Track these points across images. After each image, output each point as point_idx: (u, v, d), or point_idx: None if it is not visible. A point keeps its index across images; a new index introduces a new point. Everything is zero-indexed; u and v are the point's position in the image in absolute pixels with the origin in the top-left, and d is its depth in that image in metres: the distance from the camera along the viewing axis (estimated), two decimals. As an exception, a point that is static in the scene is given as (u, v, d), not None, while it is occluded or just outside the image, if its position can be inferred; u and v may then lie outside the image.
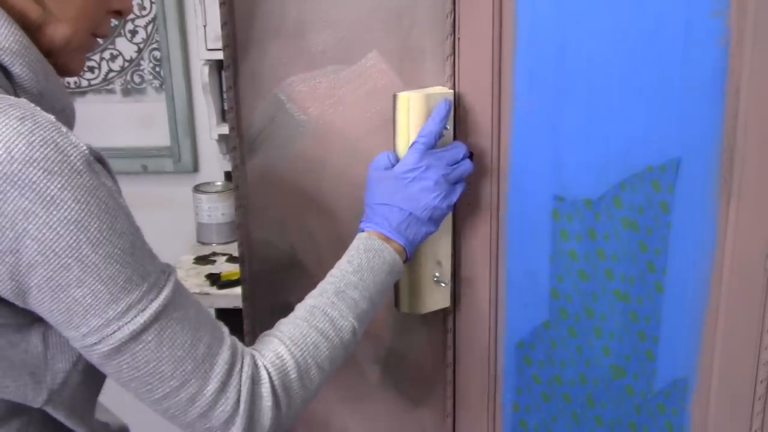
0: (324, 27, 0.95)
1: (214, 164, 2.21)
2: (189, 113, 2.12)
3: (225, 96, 1.29)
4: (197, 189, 2.12)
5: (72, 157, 0.63)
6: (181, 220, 2.15)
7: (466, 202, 0.97)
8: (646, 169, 0.92)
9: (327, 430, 1.10)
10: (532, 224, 0.97)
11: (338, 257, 1.03)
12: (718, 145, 0.90)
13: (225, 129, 2.01)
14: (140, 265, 0.67)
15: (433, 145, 0.89)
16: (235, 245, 2.02)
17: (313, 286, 1.06)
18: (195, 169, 2.19)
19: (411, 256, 0.90)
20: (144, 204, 2.08)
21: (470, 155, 0.93)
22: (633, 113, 0.90)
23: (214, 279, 1.97)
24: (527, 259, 0.98)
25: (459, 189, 0.91)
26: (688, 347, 0.97)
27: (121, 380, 0.69)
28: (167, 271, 0.71)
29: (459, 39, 0.92)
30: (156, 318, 0.67)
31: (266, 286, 1.06)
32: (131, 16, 2.05)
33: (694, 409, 0.99)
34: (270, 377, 0.73)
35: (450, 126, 0.92)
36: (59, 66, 0.75)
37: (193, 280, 1.97)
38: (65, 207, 0.62)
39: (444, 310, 1.00)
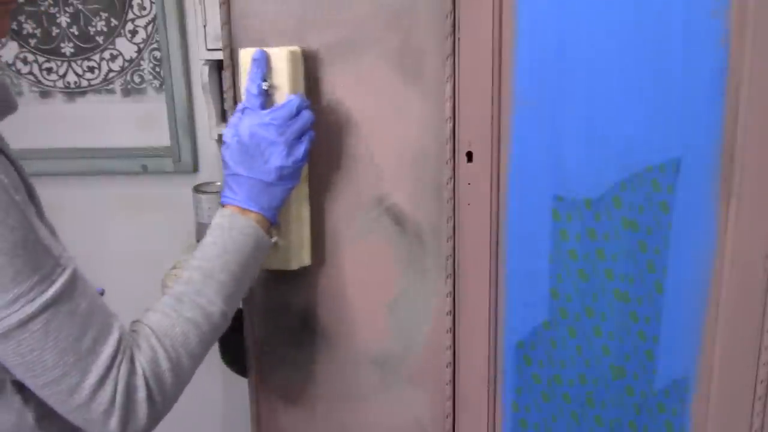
0: (324, 27, 0.96)
1: (214, 164, 2.20)
2: (189, 113, 2.12)
3: (225, 96, 1.29)
4: (197, 189, 2.12)
5: None
6: (181, 220, 2.15)
7: (466, 202, 0.97)
8: (646, 169, 0.92)
9: (327, 430, 1.10)
10: (532, 224, 0.97)
11: (338, 256, 1.04)
12: (718, 145, 0.90)
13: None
14: (32, 258, 0.70)
15: (256, 104, 0.90)
16: (235, 245, 2.02)
17: (314, 285, 1.07)
18: (195, 169, 2.18)
19: (276, 218, 0.91)
20: (144, 204, 2.08)
21: (308, 105, 0.93)
22: (633, 113, 0.90)
23: (214, 279, 1.96)
24: (527, 259, 0.98)
25: (305, 141, 0.91)
26: (688, 347, 0.97)
27: (8, 364, 0.72)
28: (63, 265, 0.73)
29: (459, 39, 0.92)
30: (43, 309, 0.70)
31: (266, 286, 1.06)
32: (131, 16, 2.05)
33: (694, 409, 0.99)
34: (143, 370, 0.76)
35: (280, 79, 0.92)
36: None
37: (193, 280, 1.97)
38: None
39: (446, 310, 1.01)
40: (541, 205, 0.96)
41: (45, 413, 0.79)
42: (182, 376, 0.80)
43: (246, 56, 0.93)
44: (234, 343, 1.14)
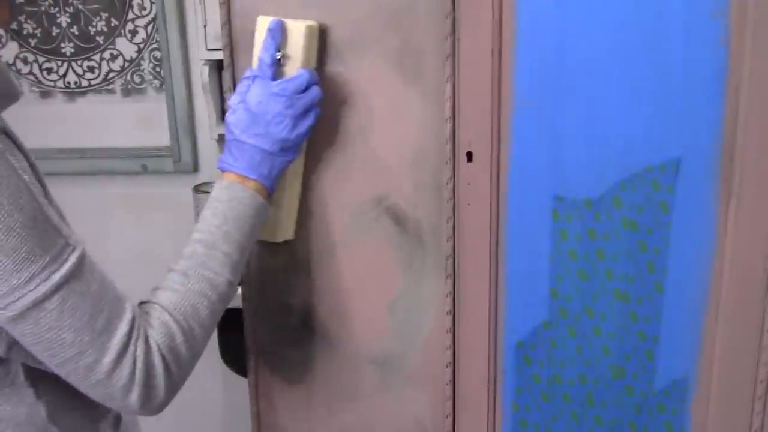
0: (324, 27, 0.95)
1: (214, 164, 2.20)
2: (189, 113, 2.12)
3: (225, 96, 1.29)
4: (197, 189, 2.12)
5: None
6: (181, 220, 2.15)
7: (466, 202, 0.97)
8: (646, 169, 0.92)
9: (327, 430, 1.10)
10: (532, 224, 0.97)
11: (338, 256, 1.04)
12: (718, 145, 0.90)
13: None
14: (43, 237, 0.71)
15: (270, 73, 0.91)
16: (235, 245, 2.02)
17: (313, 285, 1.07)
18: (195, 169, 2.18)
19: (273, 188, 0.92)
20: (144, 204, 2.08)
21: (318, 82, 0.93)
22: (633, 113, 0.90)
23: (214, 279, 1.97)
24: (527, 259, 0.98)
25: (311, 116, 0.92)
26: (688, 347, 0.97)
27: (26, 344, 0.74)
28: (72, 245, 0.74)
29: (459, 39, 0.92)
30: (57, 288, 0.71)
31: (266, 286, 1.06)
32: (131, 16, 2.05)
33: (694, 409, 0.99)
34: (159, 346, 0.78)
35: (294, 52, 0.92)
36: None
37: (193, 280, 1.97)
38: None
39: (446, 310, 1.01)
40: (541, 205, 0.96)
41: (57, 407, 0.81)
42: (196, 347, 0.82)
43: (263, 24, 0.92)
44: (234, 343, 1.14)
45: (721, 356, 0.95)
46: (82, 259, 0.74)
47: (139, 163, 2.15)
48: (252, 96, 0.90)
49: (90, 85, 2.12)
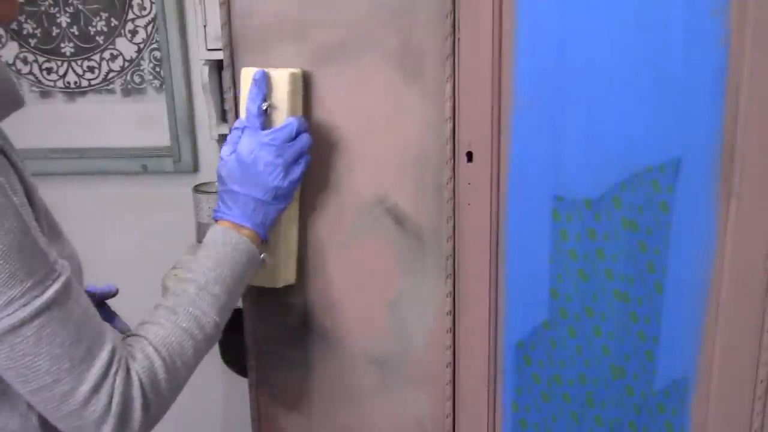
0: (324, 27, 0.96)
1: (214, 164, 2.20)
2: (189, 113, 2.12)
3: (225, 96, 1.29)
4: (197, 189, 2.12)
5: None
6: (181, 220, 2.15)
7: (466, 202, 0.97)
8: (646, 169, 0.92)
9: (327, 430, 1.10)
10: (532, 224, 0.97)
11: (338, 257, 1.04)
12: (718, 145, 0.90)
13: (225, 129, 2.01)
14: (27, 262, 0.69)
15: (257, 124, 0.92)
16: (235, 245, 2.02)
17: (314, 285, 1.07)
18: (195, 169, 2.18)
19: (266, 235, 0.93)
20: (144, 204, 2.08)
21: (306, 129, 0.94)
22: (633, 113, 0.90)
23: (214, 279, 1.97)
24: (527, 259, 0.98)
25: (302, 164, 0.93)
26: (688, 347, 0.97)
27: None
28: (58, 270, 0.72)
29: (459, 39, 0.92)
30: (37, 314, 0.70)
31: (266, 287, 1.06)
32: (131, 16, 2.05)
33: (694, 409, 0.99)
34: (140, 380, 0.76)
35: (280, 100, 0.93)
36: None
37: (193, 280, 1.97)
38: None
39: (446, 311, 1.01)
40: (541, 205, 0.96)
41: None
42: (178, 384, 0.81)
43: (247, 75, 0.93)
44: (234, 343, 1.14)
45: (721, 356, 0.95)
46: (66, 286, 0.73)
47: (139, 163, 2.15)
48: (243, 147, 0.91)
49: (90, 85, 2.12)
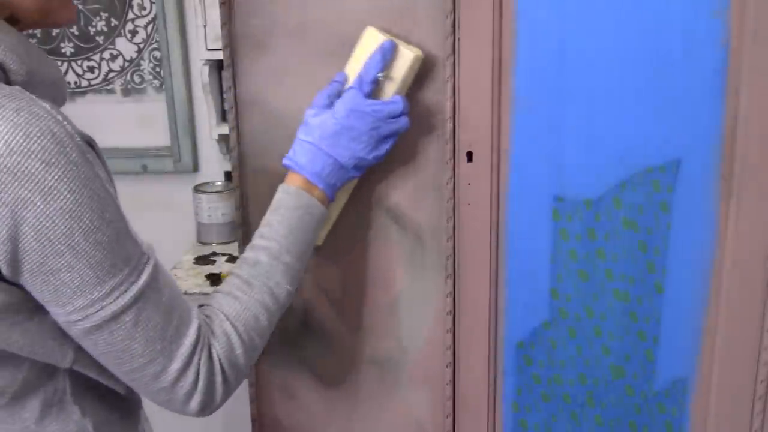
0: (324, 27, 0.95)
1: (214, 164, 2.21)
2: (189, 113, 2.12)
3: (225, 96, 1.29)
4: (197, 189, 2.12)
5: (68, 148, 0.66)
6: (181, 220, 2.15)
7: (466, 202, 0.97)
8: (646, 170, 0.92)
9: (327, 430, 1.10)
10: (532, 224, 0.97)
11: (338, 256, 1.03)
12: (718, 145, 0.90)
13: (225, 129, 2.01)
14: (124, 250, 0.71)
15: (367, 90, 0.90)
16: (235, 245, 2.02)
17: (314, 285, 1.06)
18: (195, 169, 2.19)
19: (333, 198, 0.93)
20: (144, 204, 2.08)
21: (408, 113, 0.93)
22: (633, 113, 0.90)
23: (214, 279, 1.96)
24: (527, 259, 0.98)
25: (389, 142, 0.92)
26: (688, 347, 0.97)
27: (95, 352, 0.74)
28: (147, 253, 0.74)
29: (459, 39, 0.92)
30: (135, 300, 0.72)
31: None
32: (131, 16, 2.05)
33: (694, 409, 0.99)
34: (219, 357, 0.78)
35: (396, 76, 0.92)
36: (50, 23, 0.78)
37: (193, 280, 1.97)
38: (61, 197, 0.66)
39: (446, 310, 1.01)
40: (541, 206, 0.96)
41: (102, 420, 0.82)
42: (254, 355, 0.83)
43: (370, 36, 0.92)
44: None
45: (721, 356, 0.95)
46: (156, 269, 0.75)
47: (139, 163, 2.15)
48: (342, 106, 0.90)
49: (90, 85, 2.12)
